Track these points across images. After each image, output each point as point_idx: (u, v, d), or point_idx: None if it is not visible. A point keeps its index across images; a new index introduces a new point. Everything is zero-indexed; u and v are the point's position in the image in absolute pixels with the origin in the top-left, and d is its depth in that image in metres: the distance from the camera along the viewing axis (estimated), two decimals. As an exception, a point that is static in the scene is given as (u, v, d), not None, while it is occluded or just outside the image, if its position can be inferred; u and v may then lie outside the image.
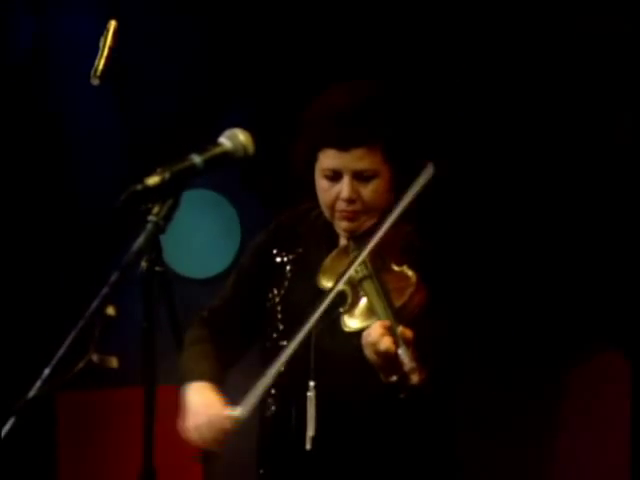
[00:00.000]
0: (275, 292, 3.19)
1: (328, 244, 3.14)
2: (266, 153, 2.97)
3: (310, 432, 3.05)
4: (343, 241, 3.14)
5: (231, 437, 3.00)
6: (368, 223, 3.06)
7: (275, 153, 3.27)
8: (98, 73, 3.78)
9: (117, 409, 5.16)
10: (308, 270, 3.12)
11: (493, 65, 4.98)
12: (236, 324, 3.27)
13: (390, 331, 2.80)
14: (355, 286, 2.97)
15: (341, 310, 2.97)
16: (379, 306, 2.89)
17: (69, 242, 5.48)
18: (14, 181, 5.37)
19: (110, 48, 3.80)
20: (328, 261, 3.08)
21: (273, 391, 3.16)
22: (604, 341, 5.09)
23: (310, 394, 3.05)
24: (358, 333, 2.90)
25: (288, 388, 3.12)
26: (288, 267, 3.18)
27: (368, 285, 2.95)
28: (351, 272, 2.96)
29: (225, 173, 2.92)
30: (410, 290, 2.93)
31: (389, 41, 4.95)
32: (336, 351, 3.04)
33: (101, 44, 3.80)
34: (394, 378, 2.81)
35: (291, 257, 3.19)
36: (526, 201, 5.06)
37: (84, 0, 5.32)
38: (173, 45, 5.34)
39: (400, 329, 2.80)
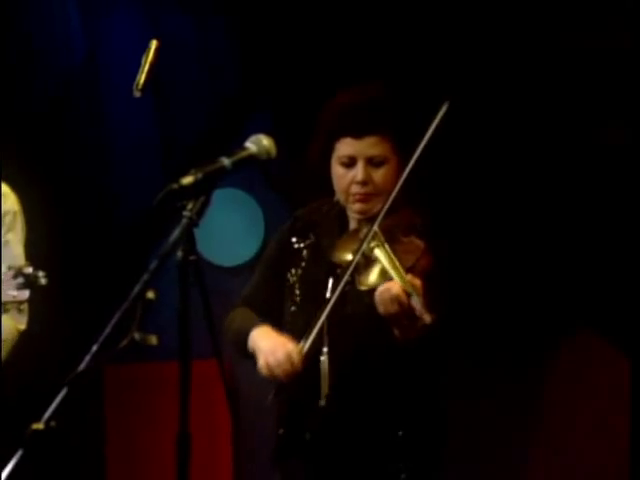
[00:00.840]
0: (293, 272, 3.21)
1: (340, 229, 3.18)
2: (287, 156, 3.00)
3: (324, 390, 3.07)
4: (353, 224, 3.18)
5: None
6: (378, 206, 3.09)
7: (295, 156, 3.27)
8: (140, 86, 3.80)
9: (156, 381, 5.16)
10: (321, 253, 3.16)
11: (491, 67, 4.93)
12: (265, 306, 3.28)
13: (402, 285, 2.87)
14: (368, 256, 3.01)
15: (355, 276, 3.00)
16: (390, 267, 2.93)
17: (116, 235, 5.50)
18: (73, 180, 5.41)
19: (151, 64, 3.81)
20: (341, 241, 3.11)
21: None
22: (588, 326, 5.05)
23: (323, 358, 3.08)
24: (371, 292, 2.95)
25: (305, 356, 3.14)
26: (305, 251, 3.21)
27: (380, 252, 2.99)
28: (365, 245, 3.00)
29: (250, 174, 2.92)
30: (417, 254, 2.99)
31: (398, 48, 4.93)
32: (348, 316, 3.07)
33: (143, 60, 3.82)
34: (406, 322, 2.87)
35: (307, 242, 3.23)
36: (522, 191, 4.99)
37: (130, 22, 5.34)
38: (205, 62, 5.35)
39: (409, 277, 2.88)
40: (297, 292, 3.19)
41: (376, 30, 4.99)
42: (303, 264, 3.21)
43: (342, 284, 3.01)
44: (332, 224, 3.21)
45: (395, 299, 2.87)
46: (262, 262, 3.38)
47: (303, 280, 3.19)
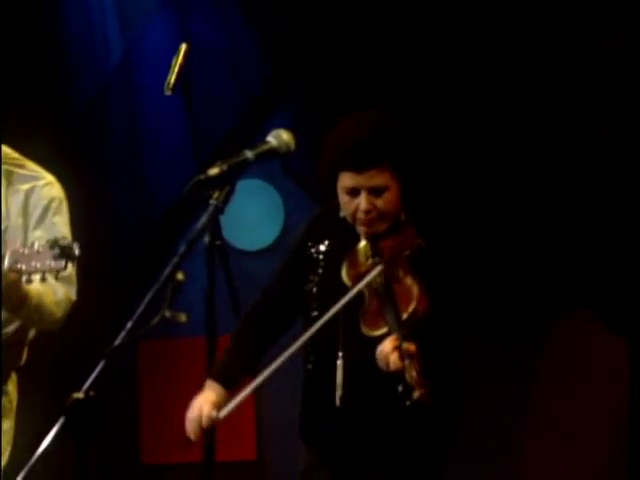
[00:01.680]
0: (311, 278, 3.15)
1: (352, 239, 3.11)
2: (305, 149, 2.99)
3: (339, 392, 3.04)
4: (363, 239, 3.11)
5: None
6: (382, 227, 3.05)
7: (312, 149, 3.26)
8: (170, 86, 3.79)
9: (185, 354, 5.17)
10: (336, 260, 3.10)
11: (489, 65, 4.88)
12: (281, 304, 3.25)
13: (398, 347, 2.82)
14: (371, 289, 2.97)
15: (359, 309, 2.98)
16: (389, 316, 2.90)
17: (150, 221, 5.50)
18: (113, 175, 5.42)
19: (180, 66, 3.81)
20: (349, 258, 3.07)
21: (312, 358, 3.16)
22: (588, 311, 5.00)
23: (339, 362, 3.05)
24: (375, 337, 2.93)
25: (322, 358, 3.11)
26: (321, 257, 3.16)
27: (381, 292, 2.95)
28: (369, 279, 2.97)
29: (271, 165, 2.92)
30: (414, 303, 2.93)
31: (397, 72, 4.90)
32: (359, 332, 3.02)
33: (173, 62, 3.81)
34: (400, 388, 2.82)
35: (322, 249, 3.17)
36: (522, 177, 4.91)
37: (162, 26, 5.34)
38: (231, 65, 5.35)
39: (405, 345, 2.82)
40: (315, 297, 3.13)
41: (382, 41, 4.97)
42: (320, 271, 3.15)
43: (337, 308, 2.95)
44: (345, 233, 3.14)
45: (392, 368, 2.83)
46: (281, 264, 3.31)
47: (320, 286, 3.14)
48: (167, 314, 2.49)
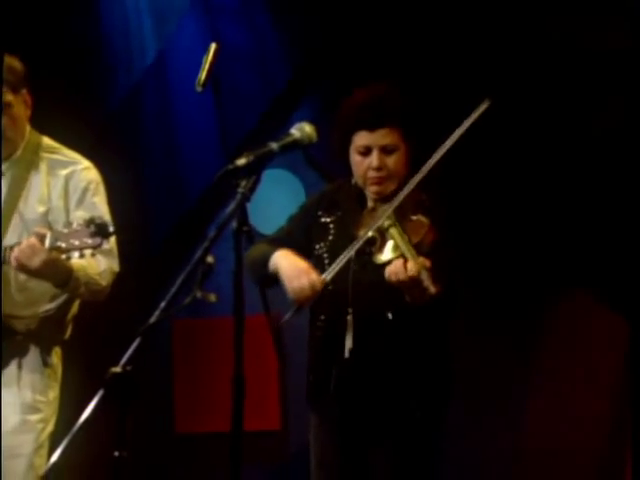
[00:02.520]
0: (322, 244, 3.21)
1: (360, 207, 3.19)
2: (326, 141, 3.00)
3: (348, 345, 3.07)
4: (370, 203, 3.19)
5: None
6: (391, 187, 3.12)
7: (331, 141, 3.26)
8: (201, 83, 3.79)
9: (215, 332, 5.17)
10: (346, 227, 3.16)
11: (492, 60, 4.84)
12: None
13: (412, 262, 2.90)
14: (383, 233, 3.04)
15: (373, 250, 3.03)
16: (402, 244, 2.97)
17: (182, 208, 5.51)
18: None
19: (210, 64, 3.80)
20: (361, 218, 3.14)
21: (322, 317, 3.18)
22: (589, 287, 4.98)
23: (349, 318, 3.08)
24: (386, 265, 2.98)
25: (333, 313, 3.14)
26: (331, 226, 3.21)
27: (393, 230, 3.01)
28: (380, 222, 3.03)
29: (294, 156, 2.92)
30: (424, 231, 3.01)
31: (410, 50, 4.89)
32: (368, 283, 3.08)
33: (204, 61, 3.81)
34: (416, 294, 2.91)
35: (333, 218, 3.23)
36: (525, 161, 4.87)
37: (194, 27, 5.34)
38: (258, 64, 5.35)
39: (421, 259, 2.91)
40: (326, 262, 3.17)
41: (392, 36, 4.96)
42: (330, 237, 3.20)
43: (359, 244, 3.03)
44: (353, 203, 3.22)
45: (406, 274, 2.90)
46: (291, 220, 3.37)
47: (331, 252, 3.17)
48: (198, 294, 2.49)
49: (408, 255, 2.93)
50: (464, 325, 3.29)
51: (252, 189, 2.56)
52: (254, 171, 2.58)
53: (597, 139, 4.79)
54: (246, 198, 2.56)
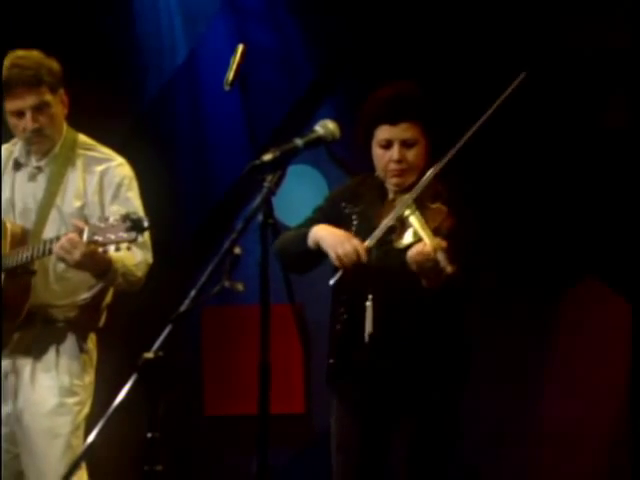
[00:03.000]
0: None
1: (380, 199, 3.19)
2: (348, 138, 2.99)
3: (368, 329, 3.07)
4: (391, 195, 3.20)
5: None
6: (410, 179, 3.13)
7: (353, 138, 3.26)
8: (229, 82, 3.80)
9: (242, 320, 5.17)
10: (368, 219, 3.16)
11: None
12: None
13: (430, 244, 2.92)
14: (403, 221, 3.04)
15: (393, 237, 3.04)
16: (420, 228, 2.98)
17: (211, 202, 5.50)
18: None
19: (238, 64, 3.81)
20: (383, 209, 3.14)
21: (343, 302, 3.19)
22: (593, 272, 4.98)
23: (368, 304, 3.09)
24: (406, 250, 2.99)
25: (353, 299, 3.14)
26: (354, 217, 3.21)
27: (412, 218, 3.02)
28: (401, 210, 3.03)
29: (318, 152, 2.92)
30: (441, 217, 3.02)
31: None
32: (388, 269, 3.08)
33: (231, 61, 3.81)
34: (432, 276, 2.92)
35: (356, 210, 3.23)
36: (534, 155, 4.84)
37: (222, 29, 5.34)
38: (283, 64, 5.35)
39: (437, 240, 2.93)
40: None
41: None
42: (353, 229, 3.19)
43: (381, 231, 3.03)
44: (375, 195, 3.22)
45: (425, 255, 2.91)
46: (317, 210, 3.37)
47: None
48: (226, 284, 2.50)
49: (425, 238, 2.94)
50: (481, 310, 3.28)
51: (277, 184, 2.57)
52: (279, 166, 2.58)
53: (607, 136, 4.77)
54: (272, 192, 2.56)
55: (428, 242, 2.92)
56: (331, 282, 3.07)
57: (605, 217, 4.81)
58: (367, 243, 3.03)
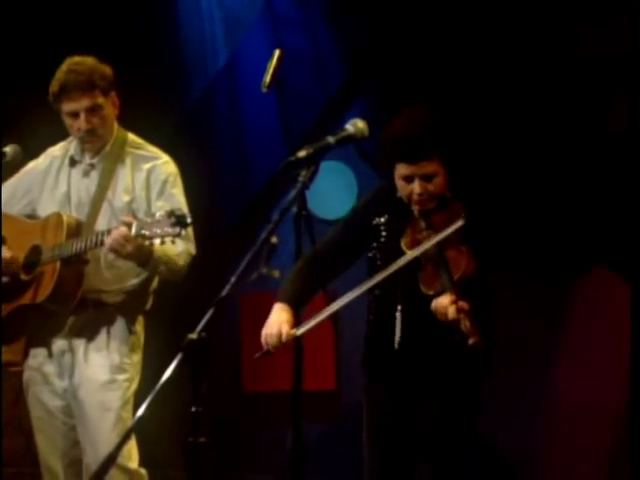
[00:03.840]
0: (375, 245, 3.15)
1: (407, 214, 3.10)
2: (376, 135, 2.98)
3: (397, 337, 3.06)
4: (416, 213, 3.10)
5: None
6: (432, 205, 3.03)
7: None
8: (266, 85, 3.80)
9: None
10: (395, 231, 3.10)
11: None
12: (329, 259, 3.20)
13: (454, 301, 2.83)
14: (426, 256, 2.97)
15: (419, 274, 2.98)
16: (444, 278, 2.90)
17: (250, 195, 5.51)
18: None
19: (274, 68, 3.80)
20: (406, 229, 3.06)
21: (372, 315, 3.16)
22: (602, 262, 4.95)
23: (398, 314, 3.06)
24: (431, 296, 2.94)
25: (384, 310, 3.11)
26: (382, 227, 3.15)
27: (435, 258, 2.95)
28: (425, 247, 2.96)
29: (348, 149, 2.91)
30: (464, 266, 2.93)
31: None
32: (417, 290, 3.02)
33: (268, 65, 3.81)
34: (457, 337, 2.85)
35: (382, 221, 3.16)
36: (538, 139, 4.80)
37: (260, 36, 5.34)
38: (316, 68, 5.34)
39: (460, 303, 2.84)
40: (378, 263, 3.12)
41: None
42: (382, 240, 3.14)
43: (394, 268, 2.97)
44: (400, 208, 3.11)
45: (447, 317, 2.85)
46: (343, 222, 3.29)
47: (382, 253, 3.13)
48: (263, 271, 2.50)
49: (449, 296, 2.87)
50: (500, 296, 3.24)
51: (311, 178, 2.57)
52: (313, 162, 2.58)
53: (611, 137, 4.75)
54: (305, 186, 2.57)
55: (451, 307, 2.83)
56: (255, 356, 3.06)
57: (610, 211, 4.79)
58: (295, 331, 2.97)
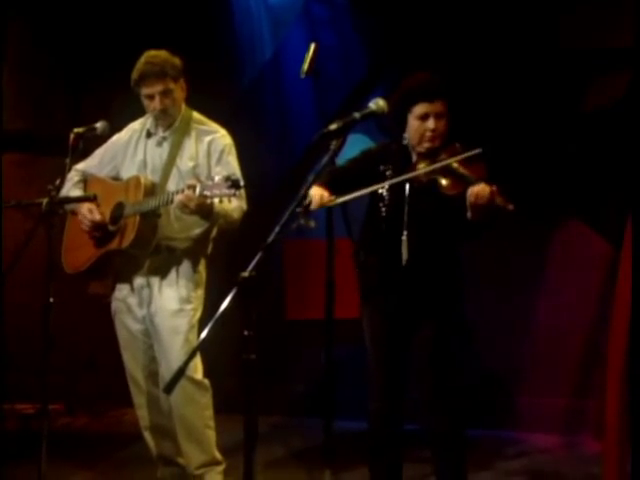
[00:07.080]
0: (382, 185, 3.11)
1: (406, 161, 3.11)
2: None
3: (404, 256, 3.02)
4: (414, 158, 3.11)
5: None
6: (438, 143, 3.05)
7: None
8: (304, 72, 3.73)
9: (314, 249, 5.14)
10: (398, 174, 3.06)
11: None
12: (342, 179, 3.11)
13: (487, 187, 2.82)
14: (450, 171, 2.95)
15: (439, 185, 2.94)
16: (467, 177, 2.89)
17: (291, 161, 5.46)
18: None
19: (311, 59, 3.74)
20: (410, 169, 3.04)
21: (382, 234, 3.10)
22: (577, 216, 4.87)
23: (404, 237, 3.02)
24: (441, 196, 2.91)
25: (391, 232, 3.07)
26: (388, 173, 3.12)
27: (455, 170, 2.93)
28: (447, 162, 2.94)
29: (370, 123, 2.85)
30: (479, 170, 2.91)
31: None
32: (422, 210, 3.00)
33: (306, 56, 3.75)
34: (484, 211, 2.81)
35: (387, 167, 3.13)
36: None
37: (299, 31, 5.28)
38: (345, 57, 5.28)
39: (491, 185, 2.84)
40: (386, 201, 3.08)
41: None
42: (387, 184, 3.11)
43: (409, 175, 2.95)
44: (400, 157, 3.11)
45: (485, 197, 2.81)
46: (353, 158, 3.22)
47: (390, 191, 3.09)
48: (302, 221, 2.48)
49: (479, 184, 2.83)
50: (493, 243, 3.19)
51: (340, 147, 2.52)
52: (341, 134, 2.52)
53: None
54: (335, 154, 2.52)
55: (486, 187, 2.81)
56: (297, 209, 2.96)
57: (586, 174, 4.70)
58: (335, 198, 2.90)
